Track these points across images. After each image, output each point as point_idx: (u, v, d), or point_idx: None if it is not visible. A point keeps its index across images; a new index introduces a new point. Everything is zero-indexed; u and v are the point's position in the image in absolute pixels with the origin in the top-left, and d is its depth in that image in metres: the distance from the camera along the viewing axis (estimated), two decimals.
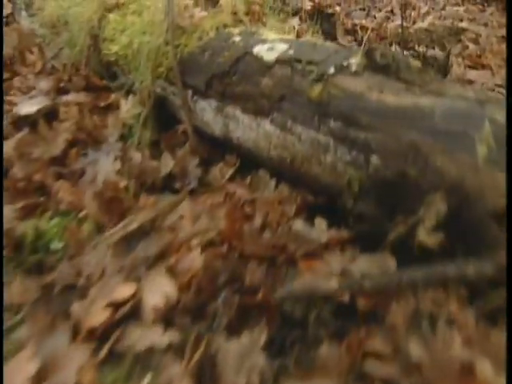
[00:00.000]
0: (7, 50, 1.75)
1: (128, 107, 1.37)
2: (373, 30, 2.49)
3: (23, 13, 1.95)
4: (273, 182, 1.20)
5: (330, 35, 2.28)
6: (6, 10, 2.06)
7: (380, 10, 2.86)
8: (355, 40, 2.29)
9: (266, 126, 1.13)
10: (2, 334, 0.82)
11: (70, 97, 1.46)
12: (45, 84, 1.54)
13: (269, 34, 1.26)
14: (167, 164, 1.32)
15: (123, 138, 1.36)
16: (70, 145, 1.30)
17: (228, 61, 1.21)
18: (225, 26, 1.32)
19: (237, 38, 1.25)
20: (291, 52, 1.12)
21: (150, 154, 1.33)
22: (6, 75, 1.66)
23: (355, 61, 1.03)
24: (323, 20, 2.30)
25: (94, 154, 1.30)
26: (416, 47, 2.21)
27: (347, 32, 2.36)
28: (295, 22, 2.43)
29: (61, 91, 1.50)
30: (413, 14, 2.74)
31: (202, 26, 1.31)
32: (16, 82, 1.63)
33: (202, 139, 1.35)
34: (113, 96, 1.43)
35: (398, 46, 2.25)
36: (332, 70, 1.04)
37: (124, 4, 1.49)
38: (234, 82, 1.19)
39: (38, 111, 1.35)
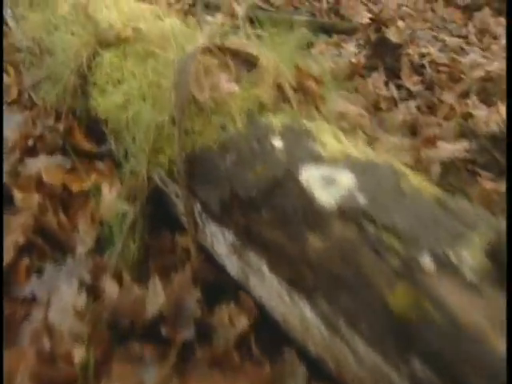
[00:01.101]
0: None
1: (111, 199, 0.97)
2: (443, 65, 2.01)
3: (9, 11, 1.51)
4: (302, 372, 0.80)
5: (394, 73, 1.82)
6: None
7: (452, 34, 2.35)
8: (423, 82, 1.82)
9: (305, 308, 0.72)
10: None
11: (39, 162, 1.06)
12: (11, 132, 1.13)
13: (326, 136, 0.84)
14: (156, 296, 0.92)
15: (98, 243, 0.97)
16: (19, 253, 0.91)
17: (259, 181, 0.79)
18: (261, 107, 0.89)
19: (277, 142, 0.82)
20: (362, 200, 0.70)
21: (132, 277, 0.94)
22: None
23: (472, 260, 0.60)
24: (387, 51, 1.84)
25: (53, 272, 0.91)
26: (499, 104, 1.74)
27: (413, 68, 1.89)
28: (352, 47, 1.97)
29: (28, 151, 1.09)
30: (493, 45, 2.24)
31: (229, 105, 0.88)
32: None
33: (209, 264, 0.95)
34: (93, 177, 1.02)
35: (478, 98, 1.78)
36: (429, 264, 0.62)
37: (126, 40, 1.06)
38: (265, 221, 0.77)
39: None
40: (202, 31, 1.09)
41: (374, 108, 1.59)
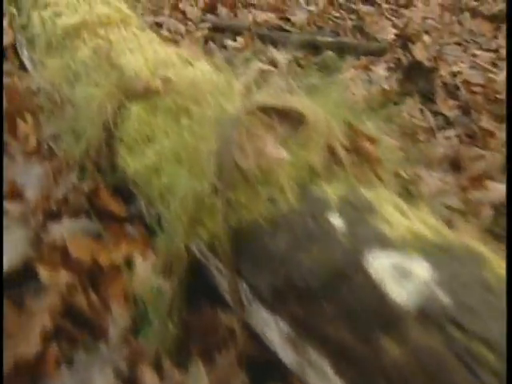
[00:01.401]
0: None
1: (145, 272, 0.88)
2: (477, 85, 1.91)
3: (25, 52, 1.42)
4: None
5: (427, 97, 1.72)
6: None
7: (481, 48, 2.25)
8: (459, 106, 1.72)
9: None
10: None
11: (63, 228, 0.97)
12: (32, 191, 1.05)
13: (390, 210, 0.74)
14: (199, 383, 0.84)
15: (133, 324, 0.88)
16: (47, 341, 0.82)
17: (318, 267, 0.70)
18: (312, 173, 0.80)
19: (336, 220, 0.73)
20: (444, 298, 0.61)
21: (172, 361, 0.85)
22: None
23: None
24: (419, 75, 1.74)
25: (85, 361, 0.82)
26: None
27: (447, 90, 1.79)
28: (381, 70, 1.87)
29: (50, 214, 1.01)
30: None
31: (277, 173, 0.79)
32: None
33: (255, 342, 0.86)
34: (124, 246, 0.93)
35: None
36: None
37: (155, 93, 0.97)
38: (327, 316, 0.68)
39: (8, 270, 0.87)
40: (236, 79, 1.00)
41: (412, 140, 1.49)
